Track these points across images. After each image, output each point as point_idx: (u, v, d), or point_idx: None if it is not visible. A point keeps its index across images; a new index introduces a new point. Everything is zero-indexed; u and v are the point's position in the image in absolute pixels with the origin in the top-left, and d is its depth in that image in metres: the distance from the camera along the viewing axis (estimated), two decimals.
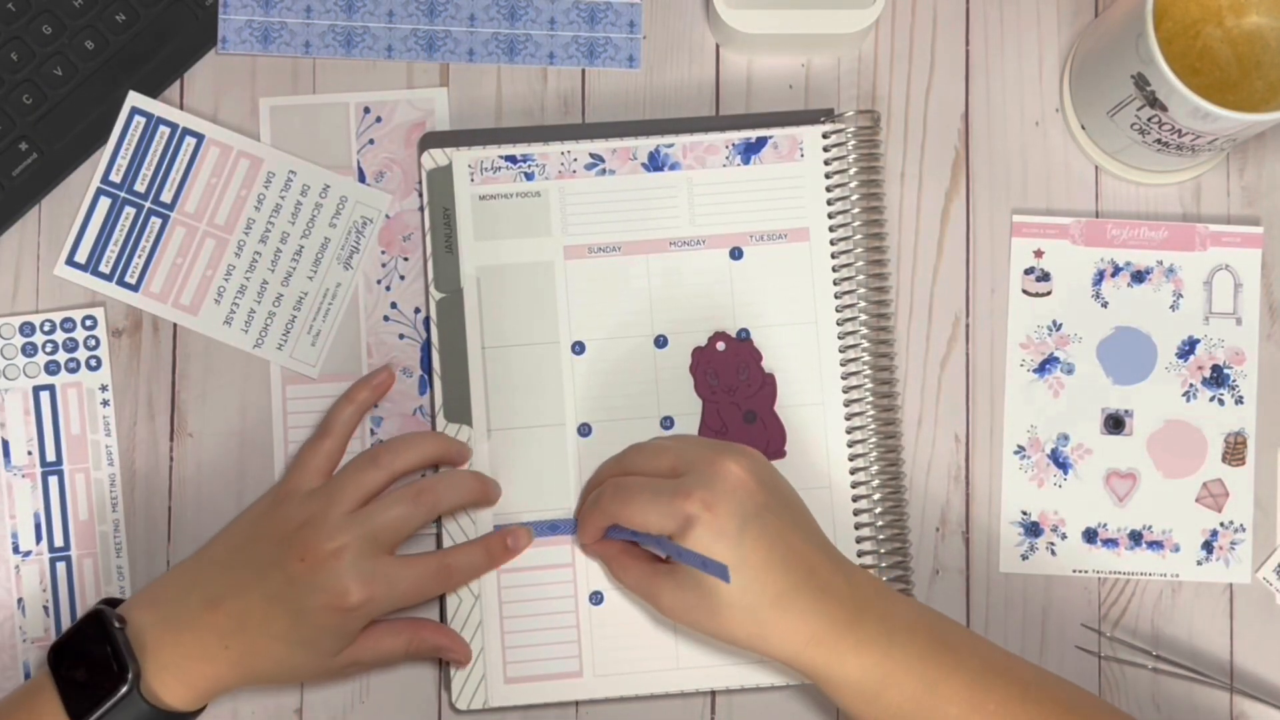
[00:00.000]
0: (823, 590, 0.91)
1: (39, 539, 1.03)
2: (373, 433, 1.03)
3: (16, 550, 1.03)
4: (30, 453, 1.03)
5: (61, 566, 1.03)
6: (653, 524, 0.92)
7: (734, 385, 1.02)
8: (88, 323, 1.03)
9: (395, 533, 0.96)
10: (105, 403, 1.03)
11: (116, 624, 0.93)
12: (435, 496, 0.97)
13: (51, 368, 1.03)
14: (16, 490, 1.03)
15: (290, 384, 1.04)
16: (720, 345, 1.02)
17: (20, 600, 1.02)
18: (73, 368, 1.03)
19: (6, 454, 1.03)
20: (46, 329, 1.03)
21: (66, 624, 1.02)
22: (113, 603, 0.96)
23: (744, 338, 1.03)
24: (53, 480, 1.03)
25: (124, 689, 0.91)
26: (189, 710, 0.94)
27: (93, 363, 1.03)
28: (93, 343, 1.03)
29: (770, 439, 1.02)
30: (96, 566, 1.02)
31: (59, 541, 1.03)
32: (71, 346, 1.03)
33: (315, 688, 1.02)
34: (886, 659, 0.90)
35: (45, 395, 1.03)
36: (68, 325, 1.03)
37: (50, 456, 1.03)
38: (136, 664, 0.92)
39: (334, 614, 0.93)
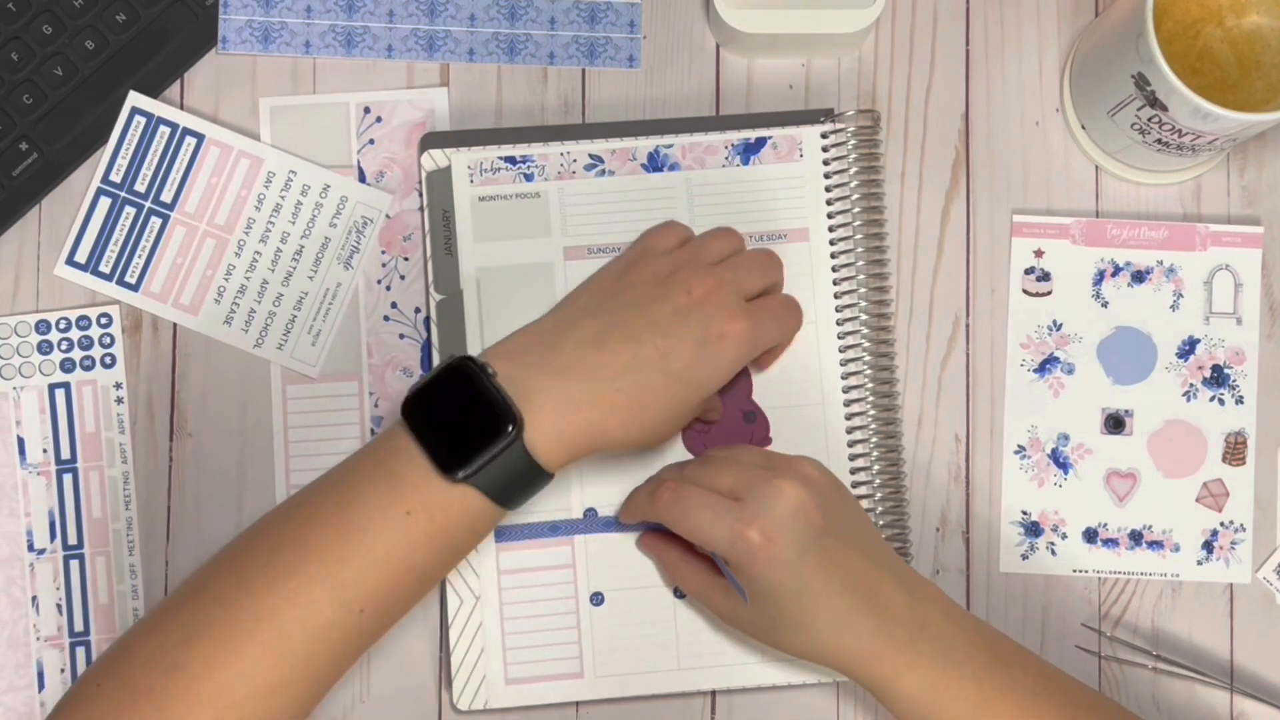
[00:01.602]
0: (882, 609, 0.91)
1: (53, 536, 1.03)
2: (373, 432, 1.03)
3: (31, 548, 1.03)
4: (45, 450, 1.03)
5: (75, 564, 1.03)
6: (711, 544, 0.92)
7: None
8: (103, 320, 1.03)
9: (757, 284, 0.96)
10: (119, 400, 1.03)
11: (489, 370, 0.87)
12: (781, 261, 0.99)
13: (67, 366, 1.03)
14: (31, 488, 1.03)
15: (290, 384, 1.04)
16: None
17: (34, 598, 1.03)
18: (88, 365, 1.03)
19: (22, 451, 1.03)
20: (62, 327, 1.03)
21: (79, 623, 1.02)
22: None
23: None
24: (67, 478, 1.03)
25: (508, 437, 0.85)
26: (554, 469, 0.89)
27: (107, 360, 1.03)
28: (108, 340, 1.03)
29: (755, 432, 1.02)
30: (110, 564, 1.03)
31: (73, 539, 1.03)
32: (87, 344, 1.03)
33: None
34: (942, 678, 0.90)
35: (60, 393, 1.03)
36: (83, 323, 1.03)
37: (65, 454, 1.03)
38: (517, 410, 0.86)
39: (729, 340, 0.91)
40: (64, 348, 1.03)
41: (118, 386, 1.03)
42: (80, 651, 1.02)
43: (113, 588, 1.03)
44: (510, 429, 0.85)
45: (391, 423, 0.89)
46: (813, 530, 0.90)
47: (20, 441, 1.03)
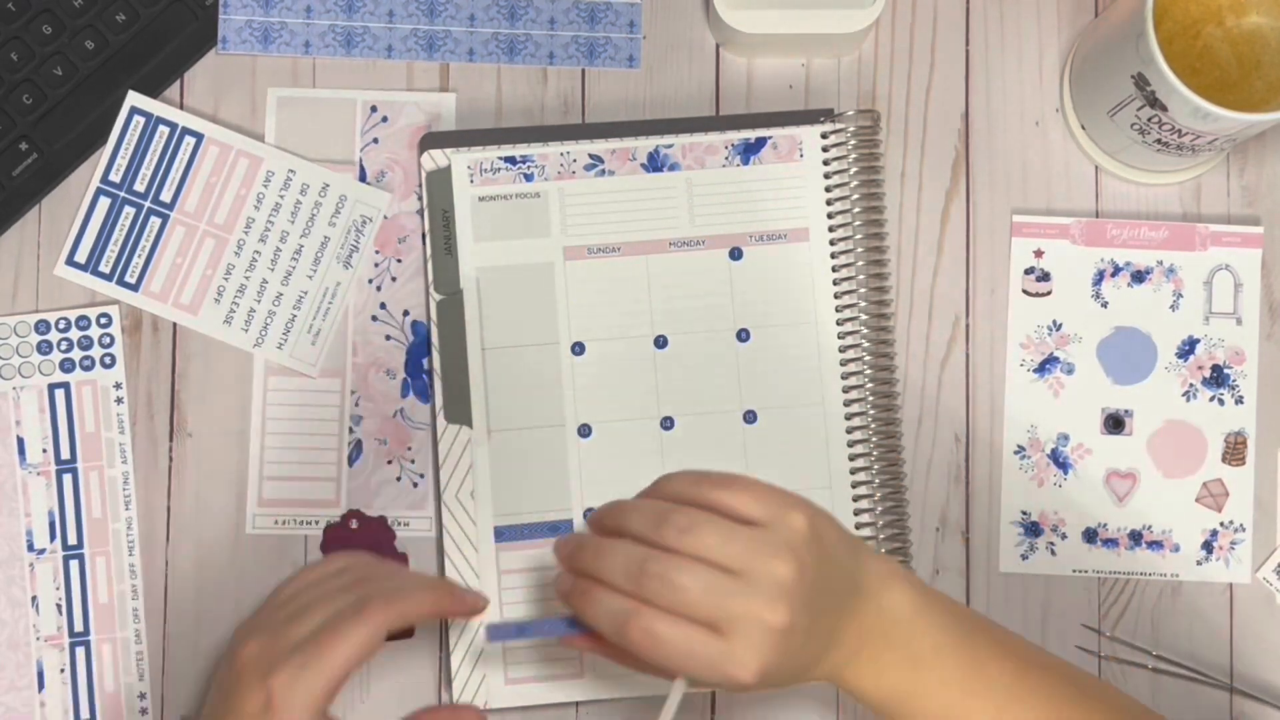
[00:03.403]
0: (847, 633, 0.87)
1: (53, 537, 1.03)
2: (351, 430, 1.03)
3: (31, 548, 1.03)
4: (45, 450, 1.03)
5: (75, 564, 1.03)
6: (698, 681, 0.85)
7: None
8: (102, 320, 1.03)
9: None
10: (119, 400, 1.03)
11: None
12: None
13: (66, 366, 1.03)
14: (31, 488, 1.03)
15: (273, 375, 1.04)
16: (354, 524, 1.02)
17: (34, 598, 1.03)
18: (87, 365, 1.03)
19: (21, 452, 1.03)
20: (61, 327, 1.03)
21: (79, 623, 1.02)
22: None
23: (375, 517, 1.02)
24: (67, 478, 1.03)
25: None
26: None
27: (107, 360, 1.03)
28: (107, 340, 1.03)
29: None
30: (110, 564, 1.03)
31: (72, 539, 1.03)
32: (86, 344, 1.03)
33: None
34: (909, 683, 0.87)
35: (60, 393, 1.03)
36: (83, 323, 1.03)
37: (65, 454, 1.03)
38: None
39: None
40: (64, 348, 1.03)
41: (117, 386, 1.03)
42: (80, 651, 1.02)
43: (113, 587, 1.02)
44: None
45: None
46: (791, 641, 0.84)
47: (20, 441, 1.03)
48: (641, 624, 0.83)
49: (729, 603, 0.82)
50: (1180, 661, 1.03)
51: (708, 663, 0.83)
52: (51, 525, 1.03)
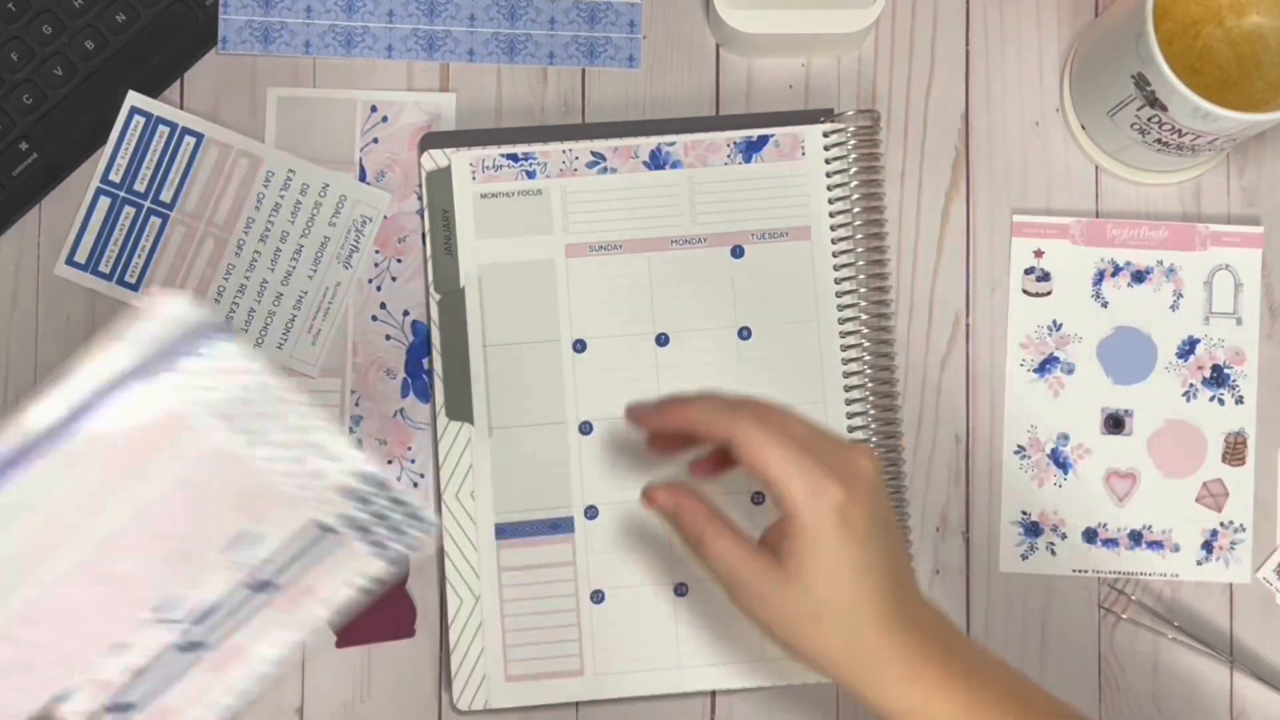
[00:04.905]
0: (916, 623, 0.86)
1: None
2: (351, 430, 1.03)
3: None
4: None
5: None
6: (783, 488, 0.84)
7: None
8: None
9: None
10: None
11: None
12: None
13: None
14: None
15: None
16: None
17: None
18: None
19: None
20: None
21: None
22: None
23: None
24: None
25: None
26: None
27: None
28: None
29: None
30: None
31: None
32: None
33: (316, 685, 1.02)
34: (971, 703, 0.84)
35: None
36: None
37: None
38: None
39: None
40: None
41: None
42: None
43: None
44: None
45: None
46: (881, 510, 0.86)
47: None
48: (755, 409, 0.87)
49: (828, 441, 0.86)
50: (1196, 634, 1.03)
51: (799, 462, 0.84)
52: None
